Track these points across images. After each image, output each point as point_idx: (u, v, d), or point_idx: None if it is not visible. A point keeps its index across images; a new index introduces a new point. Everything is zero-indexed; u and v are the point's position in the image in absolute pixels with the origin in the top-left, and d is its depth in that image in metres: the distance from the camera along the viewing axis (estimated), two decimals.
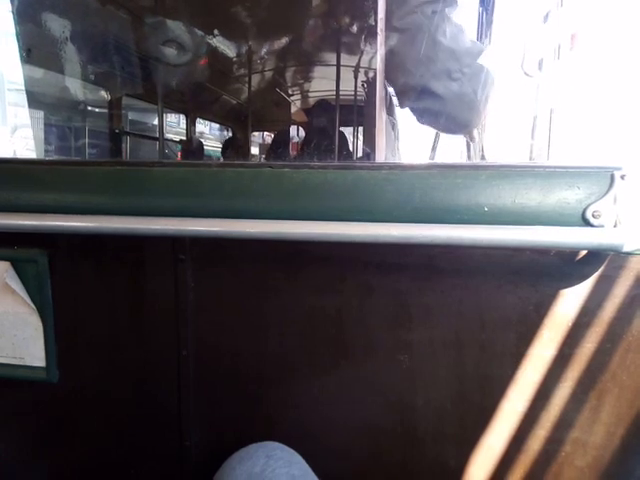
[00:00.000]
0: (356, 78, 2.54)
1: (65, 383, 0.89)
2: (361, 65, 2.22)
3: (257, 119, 3.37)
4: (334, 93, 2.11)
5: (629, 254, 0.69)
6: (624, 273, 0.71)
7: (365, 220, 0.72)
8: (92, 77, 2.16)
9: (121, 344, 0.87)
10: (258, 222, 0.73)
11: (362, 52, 1.99)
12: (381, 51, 0.90)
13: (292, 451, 0.75)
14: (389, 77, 1.02)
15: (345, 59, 2.01)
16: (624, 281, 0.71)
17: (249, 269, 0.81)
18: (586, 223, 0.68)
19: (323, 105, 2.64)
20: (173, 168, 0.79)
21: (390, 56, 0.96)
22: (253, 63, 2.56)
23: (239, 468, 0.69)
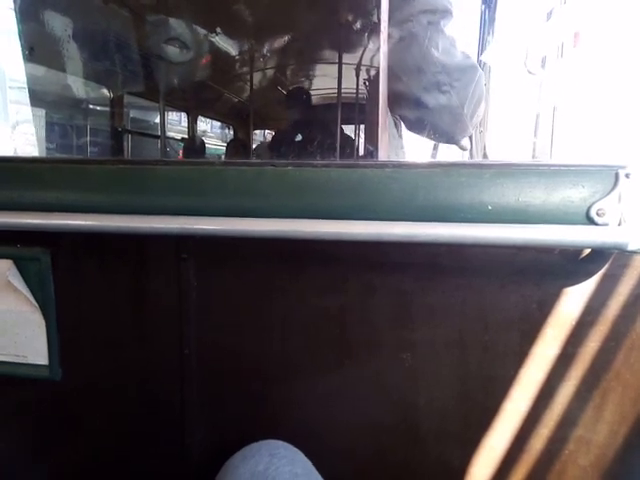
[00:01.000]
0: (358, 76, 2.54)
1: (68, 381, 0.89)
2: (363, 63, 2.21)
3: (259, 117, 3.36)
4: (335, 91, 2.11)
5: (634, 252, 0.69)
6: (628, 272, 0.70)
7: (369, 219, 0.72)
8: (94, 75, 2.16)
9: (124, 342, 0.87)
10: (261, 221, 0.73)
11: (364, 50, 1.99)
12: (384, 49, 0.89)
13: (295, 449, 0.75)
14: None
15: (347, 57, 2.00)
16: (628, 280, 0.71)
17: (252, 268, 0.81)
18: (590, 221, 0.68)
19: (297, 94, 2.64)
20: (176, 167, 0.79)
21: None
22: (255, 61, 2.56)
23: (242, 467, 0.69)
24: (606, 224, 0.67)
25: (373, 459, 0.83)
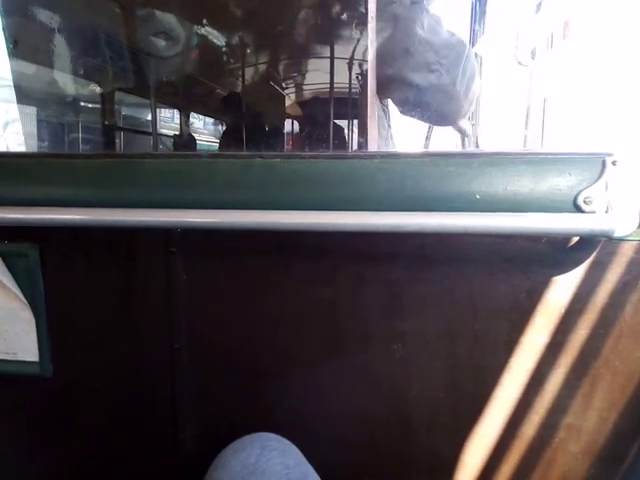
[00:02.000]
0: (350, 70, 2.54)
1: (59, 377, 0.89)
2: (350, 55, 2.21)
3: (252, 112, 3.35)
4: (327, 85, 2.11)
5: (621, 240, 0.69)
6: (616, 259, 0.71)
7: (357, 209, 0.72)
8: (82, 71, 2.14)
9: (114, 337, 0.87)
10: (249, 212, 0.73)
11: (352, 41, 1.98)
12: (372, 39, 0.89)
13: (287, 442, 0.75)
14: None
15: (336, 49, 2.00)
16: (616, 267, 0.71)
17: (241, 261, 0.81)
18: (578, 209, 0.68)
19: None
20: (164, 160, 0.79)
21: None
22: (246, 56, 2.54)
23: (233, 459, 0.69)
24: (593, 212, 0.67)
25: (366, 450, 0.83)
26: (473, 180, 0.71)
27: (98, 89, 2.60)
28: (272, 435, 0.76)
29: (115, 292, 0.85)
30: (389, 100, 1.13)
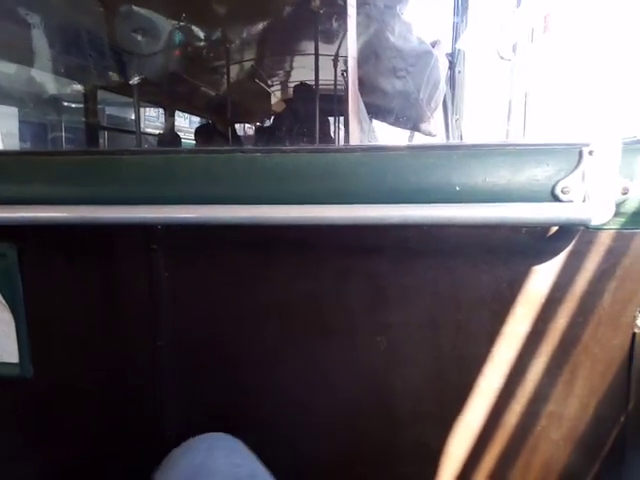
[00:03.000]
0: (336, 67, 2.54)
1: (40, 378, 0.87)
2: (330, 51, 2.21)
3: (237, 110, 3.33)
4: (312, 81, 2.10)
5: (598, 229, 0.70)
6: (594, 248, 0.72)
7: (340, 203, 0.72)
8: (63, 69, 2.12)
9: (95, 337, 0.86)
10: (231, 207, 0.73)
11: (334, 38, 1.98)
12: (352, 35, 0.89)
13: (236, 440, 0.74)
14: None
15: (320, 46, 1.99)
16: (594, 256, 0.72)
17: (223, 256, 0.81)
18: (555, 199, 0.69)
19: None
20: (143, 156, 0.78)
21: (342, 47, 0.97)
22: (231, 53, 2.53)
23: (181, 461, 0.68)
24: (571, 201, 0.68)
25: (352, 441, 0.83)
26: (453, 172, 0.72)
27: (80, 88, 2.57)
28: (221, 435, 0.75)
29: (96, 291, 0.85)
30: None
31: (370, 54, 1.01)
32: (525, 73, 1.40)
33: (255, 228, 0.77)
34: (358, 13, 0.93)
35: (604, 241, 0.71)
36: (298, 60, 2.54)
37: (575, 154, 0.69)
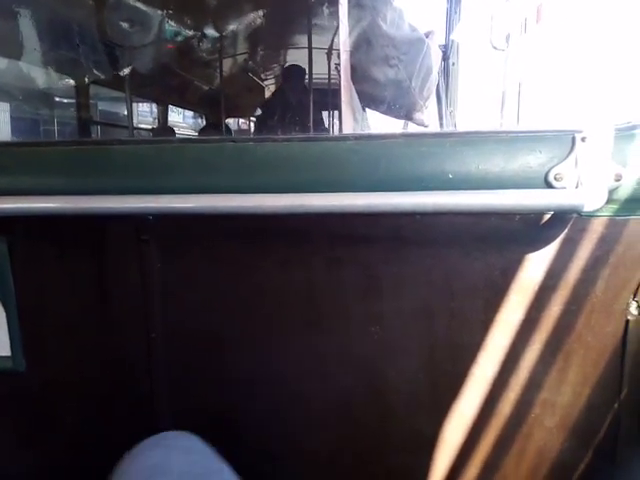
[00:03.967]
0: (330, 59, 2.53)
1: (33, 371, 0.87)
2: (323, 44, 2.20)
3: (231, 104, 3.31)
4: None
5: (591, 215, 0.70)
6: (587, 235, 0.72)
7: (332, 191, 0.71)
8: (54, 63, 2.09)
9: (88, 329, 0.85)
10: (223, 197, 0.72)
11: (327, 30, 1.97)
12: (344, 26, 0.88)
13: (194, 438, 0.72)
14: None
15: (313, 38, 1.98)
16: (587, 243, 0.72)
17: (215, 247, 0.80)
18: (549, 186, 0.69)
19: None
20: (133, 146, 0.77)
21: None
22: (224, 47, 2.51)
23: (136, 462, 0.66)
24: (564, 188, 0.68)
25: (346, 432, 0.83)
26: (446, 160, 0.71)
27: (72, 82, 2.54)
28: (177, 433, 0.74)
29: (87, 283, 0.84)
30: None
31: (362, 42, 1.00)
32: (518, 63, 1.40)
33: (247, 218, 0.76)
34: (350, 1, 0.93)
35: (597, 228, 0.71)
36: (291, 53, 2.53)
37: (568, 141, 0.69)
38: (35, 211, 0.76)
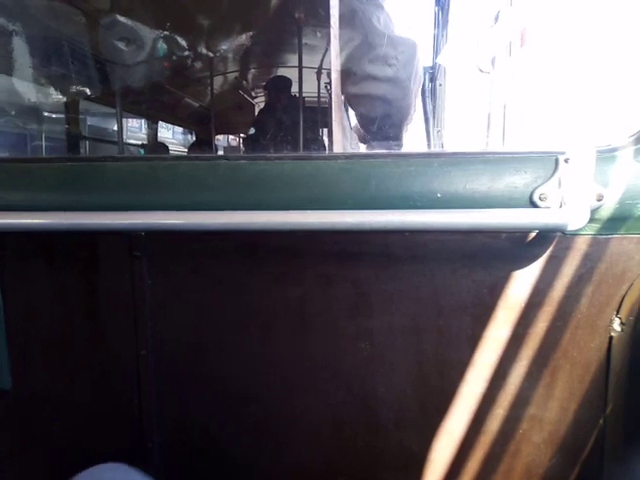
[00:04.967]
0: (319, 78, 2.57)
1: (19, 389, 0.85)
2: (314, 62, 2.24)
3: (221, 121, 3.34)
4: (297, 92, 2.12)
5: (574, 234, 0.72)
6: (571, 253, 0.73)
7: (323, 209, 0.73)
8: (44, 79, 2.10)
9: (77, 346, 0.85)
10: (215, 214, 0.73)
11: (318, 49, 2.01)
12: (335, 46, 0.91)
13: (127, 469, 0.71)
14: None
15: (303, 58, 2.02)
16: (571, 261, 0.74)
17: (207, 263, 0.81)
18: (533, 205, 0.71)
19: None
20: (125, 163, 0.78)
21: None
22: (215, 65, 2.54)
23: None
24: (548, 207, 0.70)
25: (335, 447, 0.83)
26: (434, 179, 0.73)
27: (62, 98, 2.54)
28: (108, 465, 0.73)
29: (78, 299, 0.83)
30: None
31: (359, 44, 1.00)
32: (504, 86, 1.44)
33: (239, 235, 0.77)
34: (343, 5, 0.94)
35: (581, 246, 0.73)
36: (282, 71, 2.56)
37: (552, 162, 0.71)
38: (26, 227, 0.76)
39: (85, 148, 2.95)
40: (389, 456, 0.82)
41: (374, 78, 1.02)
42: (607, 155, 0.72)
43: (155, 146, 3.33)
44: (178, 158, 0.78)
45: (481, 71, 1.54)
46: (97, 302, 0.83)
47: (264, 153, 0.77)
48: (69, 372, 0.86)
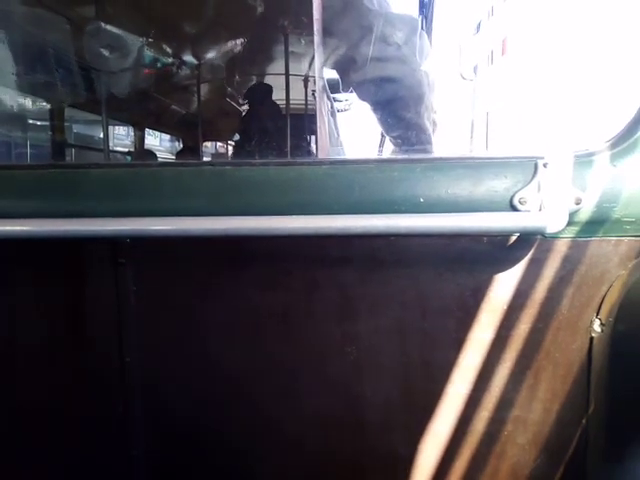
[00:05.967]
0: (306, 86, 2.59)
1: (1, 398, 0.84)
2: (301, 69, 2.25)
3: (208, 128, 3.34)
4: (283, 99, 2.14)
5: (554, 237, 0.73)
6: (551, 256, 0.75)
7: (308, 214, 0.73)
8: (28, 87, 2.08)
9: (61, 355, 0.84)
10: (201, 220, 0.73)
11: (304, 56, 2.03)
12: (319, 51, 0.92)
13: None
14: (333, 61, 1.01)
15: (288, 65, 2.04)
16: (552, 263, 0.75)
17: (193, 270, 0.80)
18: (514, 209, 0.72)
19: None
20: (110, 169, 0.78)
21: (329, 39, 0.96)
22: (201, 72, 2.55)
23: None
24: (528, 211, 0.72)
25: (322, 452, 0.83)
26: (417, 184, 0.74)
27: (47, 105, 2.52)
28: None
29: (62, 307, 0.83)
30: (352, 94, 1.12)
31: (357, 29, 0.99)
32: (486, 93, 1.47)
33: (224, 240, 0.77)
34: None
35: (560, 249, 0.75)
36: (268, 78, 2.58)
37: (531, 167, 0.73)
38: (8, 234, 0.75)
39: (71, 156, 2.92)
40: (376, 458, 0.82)
41: (377, 60, 1.00)
42: (585, 160, 0.73)
43: (142, 153, 3.31)
44: (163, 164, 0.78)
45: (463, 78, 1.57)
46: (81, 310, 0.83)
47: (249, 159, 0.78)
48: (52, 380, 0.85)
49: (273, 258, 0.80)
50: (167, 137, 4.70)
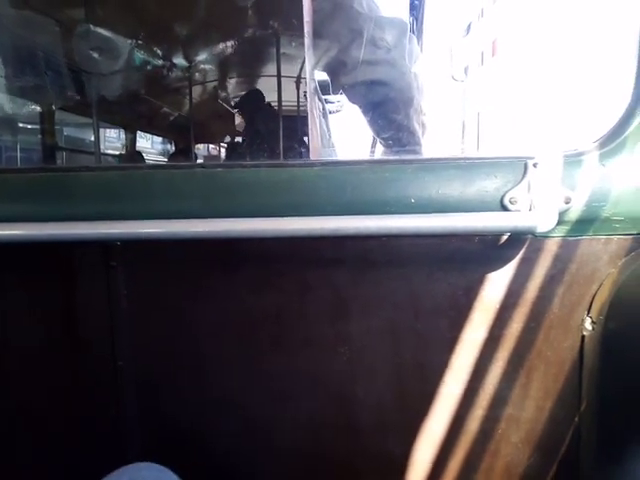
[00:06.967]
0: (298, 87, 2.59)
1: None
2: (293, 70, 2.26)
3: (200, 130, 3.33)
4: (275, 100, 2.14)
5: (545, 236, 0.74)
6: (542, 255, 0.75)
7: (300, 216, 0.73)
8: (18, 90, 2.07)
9: (53, 359, 0.83)
10: (192, 222, 0.73)
11: (295, 58, 2.03)
12: (309, 53, 0.92)
13: (162, 468, 0.70)
14: (324, 64, 1.01)
15: (282, 67, 2.04)
16: (543, 262, 0.76)
17: (185, 272, 0.80)
18: (504, 209, 0.72)
19: None
20: (101, 172, 0.78)
21: (320, 41, 0.96)
22: (193, 74, 2.54)
23: None
24: (518, 211, 0.72)
25: (316, 453, 0.83)
26: (408, 185, 0.75)
27: (37, 108, 2.50)
28: (144, 464, 0.72)
29: (53, 311, 0.82)
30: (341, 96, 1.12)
31: (347, 33, 0.99)
32: (476, 94, 1.48)
33: (216, 242, 0.77)
34: None
35: (551, 248, 0.75)
36: (261, 80, 2.58)
37: (521, 167, 0.73)
38: None
39: (62, 159, 2.91)
40: (369, 459, 0.82)
41: (367, 63, 1.00)
42: (574, 159, 0.74)
43: (133, 156, 3.30)
44: (154, 167, 0.78)
45: (454, 79, 1.58)
46: (73, 313, 0.82)
47: (240, 161, 0.78)
48: (44, 384, 0.84)
49: (265, 260, 0.80)
50: (159, 140, 4.69)
